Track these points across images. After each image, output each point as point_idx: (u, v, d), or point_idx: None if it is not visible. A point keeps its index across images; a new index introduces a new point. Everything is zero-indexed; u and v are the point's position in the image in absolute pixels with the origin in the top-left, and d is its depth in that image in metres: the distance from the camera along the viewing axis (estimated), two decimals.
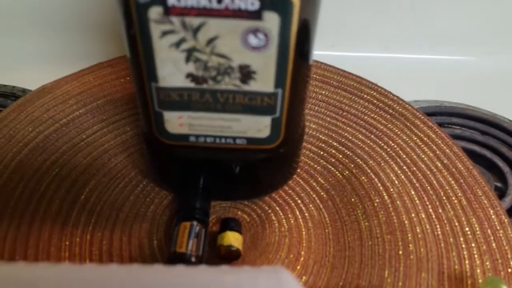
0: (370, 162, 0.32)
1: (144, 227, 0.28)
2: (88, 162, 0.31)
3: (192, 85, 0.22)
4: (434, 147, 0.32)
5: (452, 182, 0.30)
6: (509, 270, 0.26)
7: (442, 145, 0.33)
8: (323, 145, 0.33)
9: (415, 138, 0.33)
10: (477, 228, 0.28)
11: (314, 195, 0.30)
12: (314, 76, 0.37)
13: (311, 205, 0.30)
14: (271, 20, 0.20)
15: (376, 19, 0.39)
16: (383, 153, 0.32)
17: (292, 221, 0.29)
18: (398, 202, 0.29)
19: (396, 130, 0.34)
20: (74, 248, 0.26)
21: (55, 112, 0.33)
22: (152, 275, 0.19)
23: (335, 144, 0.33)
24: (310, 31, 0.22)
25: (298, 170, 0.31)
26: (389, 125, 0.34)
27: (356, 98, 0.36)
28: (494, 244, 0.27)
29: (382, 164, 0.31)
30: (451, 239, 0.27)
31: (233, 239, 0.26)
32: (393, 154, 0.32)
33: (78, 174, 0.30)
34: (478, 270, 0.26)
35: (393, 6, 0.39)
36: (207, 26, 0.20)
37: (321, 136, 0.34)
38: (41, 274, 0.19)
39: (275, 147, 0.26)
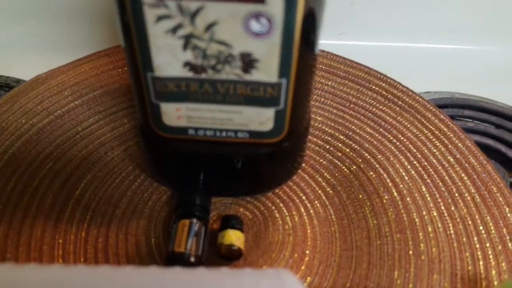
0: (379, 156, 0.30)
1: (141, 224, 0.27)
2: (84, 156, 0.29)
3: (190, 74, 0.21)
4: (446, 141, 0.31)
5: (465, 178, 0.29)
6: None
7: (454, 139, 0.31)
8: (329, 138, 0.31)
9: (426, 132, 0.31)
10: (492, 227, 0.26)
11: (319, 191, 0.29)
12: (320, 66, 0.36)
13: (316, 202, 0.28)
14: (275, 4, 0.18)
15: (386, 7, 0.38)
16: (392, 147, 0.31)
17: (296, 219, 0.27)
18: (408, 199, 0.28)
19: (406, 123, 0.32)
20: (68, 246, 0.25)
21: (49, 104, 0.31)
22: (148, 278, 0.18)
23: (341, 137, 0.31)
24: (316, 17, 0.20)
25: (303, 165, 0.30)
26: (399, 118, 0.32)
27: (364, 90, 0.34)
28: (510, 244, 0.26)
29: (391, 159, 0.30)
30: (464, 239, 0.26)
31: (234, 237, 0.25)
32: (403, 148, 0.30)
33: (73, 168, 0.28)
34: (493, 272, 0.25)
35: None
36: (205, 10, 0.18)
37: (327, 129, 0.32)
38: (31, 277, 0.18)
39: (279, 141, 0.24)
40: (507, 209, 0.27)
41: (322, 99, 0.34)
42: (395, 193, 0.28)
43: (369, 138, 0.31)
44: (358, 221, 0.27)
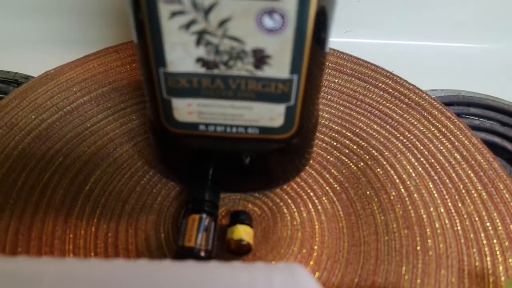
0: (386, 153, 0.30)
1: (150, 219, 0.27)
2: (93, 152, 0.29)
3: (202, 70, 0.21)
4: (452, 138, 0.31)
5: (472, 175, 0.29)
6: None
7: (461, 136, 0.31)
8: (336, 135, 0.32)
9: (433, 129, 0.32)
10: (499, 224, 0.26)
11: (327, 188, 0.29)
12: (327, 63, 0.36)
13: (324, 198, 0.28)
14: (289, 0, 0.18)
15: (392, 5, 0.38)
16: (399, 144, 0.31)
17: (304, 215, 0.27)
18: (415, 195, 0.28)
19: (413, 120, 0.32)
20: (78, 241, 0.25)
21: (58, 100, 0.32)
22: (161, 272, 0.18)
23: (349, 134, 0.32)
24: (328, 14, 0.20)
25: (311, 162, 0.30)
26: (405, 115, 0.33)
27: (370, 87, 0.35)
28: None
29: (398, 156, 0.30)
30: (471, 235, 0.26)
31: (243, 233, 0.25)
32: (410, 145, 0.31)
33: (82, 163, 0.29)
34: (501, 268, 0.25)
35: None
36: (219, 6, 0.19)
37: (334, 126, 0.32)
38: (45, 269, 0.18)
39: (289, 137, 0.24)
40: None
41: (329, 96, 0.34)
42: (402, 190, 0.28)
43: (376, 135, 0.31)
44: (366, 217, 0.27)
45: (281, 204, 0.28)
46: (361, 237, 0.27)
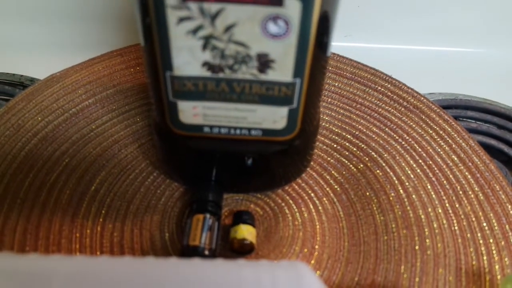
0: (385, 155, 0.31)
1: (155, 219, 0.27)
2: (98, 153, 0.30)
3: (208, 74, 0.22)
4: (450, 140, 0.32)
5: (469, 176, 0.30)
6: None
7: (458, 138, 0.32)
8: (336, 137, 0.32)
9: (431, 132, 0.32)
10: (495, 224, 0.27)
11: (327, 189, 0.30)
12: (327, 67, 0.37)
13: (324, 199, 0.29)
14: (293, 7, 0.19)
15: (391, 10, 0.39)
16: (398, 146, 0.31)
17: (305, 215, 0.28)
18: (414, 196, 0.29)
19: (411, 123, 0.33)
20: (84, 240, 0.26)
21: (64, 102, 0.32)
22: (169, 268, 0.19)
23: (348, 136, 0.32)
24: (330, 19, 0.21)
25: (312, 163, 0.31)
26: (404, 118, 0.33)
27: (370, 90, 0.35)
28: None
29: (397, 158, 0.31)
30: (468, 235, 0.27)
31: (246, 232, 0.26)
32: (408, 147, 0.31)
33: (88, 164, 0.29)
34: (497, 266, 0.25)
35: None
36: (225, 13, 0.19)
37: (334, 129, 0.33)
38: (56, 267, 0.19)
39: (291, 138, 0.25)
40: (509, 206, 0.28)
41: (329, 99, 0.35)
42: (401, 191, 0.29)
43: (376, 138, 0.32)
44: (366, 218, 0.28)
45: (283, 204, 0.29)
46: (361, 237, 0.27)
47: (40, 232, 0.26)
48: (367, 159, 0.31)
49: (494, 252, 0.26)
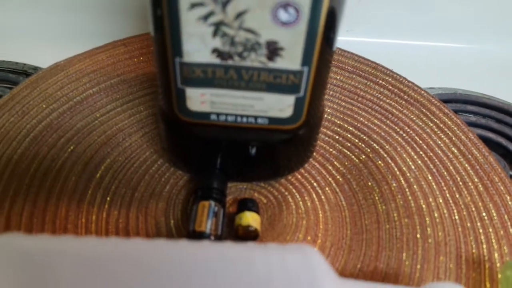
0: (387, 147, 0.31)
1: (160, 207, 0.28)
2: (103, 141, 0.30)
3: (217, 61, 0.22)
4: (450, 133, 0.32)
5: (469, 168, 0.30)
6: None
7: (458, 131, 0.32)
8: (338, 129, 0.33)
9: (431, 124, 0.33)
10: (494, 214, 0.28)
11: (330, 179, 0.30)
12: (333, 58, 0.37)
13: (327, 188, 0.29)
14: None
15: (392, 5, 0.39)
16: (399, 138, 0.32)
17: (309, 204, 0.29)
18: (415, 186, 0.29)
19: (412, 116, 0.34)
20: (90, 226, 0.26)
21: (68, 90, 0.32)
22: (179, 249, 0.19)
23: (350, 128, 0.33)
24: (339, 8, 0.21)
25: (314, 154, 0.31)
26: (405, 111, 0.34)
27: (371, 84, 0.36)
28: (511, 229, 0.27)
29: (399, 149, 0.31)
30: (468, 224, 0.27)
31: (251, 219, 0.26)
32: (409, 139, 0.32)
33: (93, 152, 0.29)
34: (496, 255, 0.26)
35: None
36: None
37: (336, 121, 0.33)
38: (66, 247, 0.19)
39: (296, 127, 0.25)
40: (508, 197, 0.29)
41: (331, 92, 0.35)
42: (402, 181, 0.29)
43: (377, 130, 0.33)
44: (368, 207, 0.28)
45: (286, 193, 0.29)
46: (363, 225, 0.28)
47: (46, 217, 0.26)
48: (369, 150, 0.31)
49: (493, 240, 0.27)
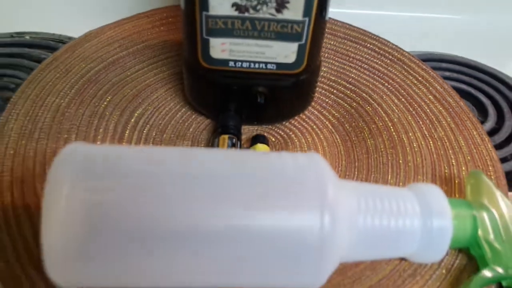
0: (374, 95, 0.37)
1: (185, 144, 0.33)
2: (134, 93, 0.36)
3: (236, 13, 0.28)
4: (427, 84, 0.38)
5: (443, 110, 0.36)
6: (488, 173, 0.32)
7: (434, 83, 0.38)
8: (333, 83, 0.38)
9: (411, 77, 0.39)
10: (463, 144, 0.34)
11: (327, 122, 0.36)
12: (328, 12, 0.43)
13: (324, 130, 0.35)
14: None
15: None
16: (385, 89, 0.38)
17: (310, 141, 0.34)
18: (398, 125, 0.35)
19: (395, 72, 0.39)
20: None
21: (102, 53, 0.38)
22: (214, 152, 0.24)
23: (343, 83, 0.38)
24: None
25: (313, 104, 0.37)
26: (389, 68, 0.40)
27: (360, 47, 0.42)
28: (476, 156, 0.33)
29: (384, 97, 0.37)
30: (442, 152, 0.33)
31: (263, 149, 0.32)
32: (393, 89, 0.38)
33: (127, 102, 0.35)
34: (463, 173, 0.32)
35: None
36: None
37: (331, 77, 0.39)
38: (125, 149, 0.24)
39: (299, 72, 0.31)
40: (474, 132, 0.34)
41: (326, 55, 0.41)
42: (387, 121, 0.35)
43: (366, 83, 0.38)
44: (359, 142, 0.34)
45: (291, 133, 0.35)
46: (355, 156, 0.33)
47: None
48: (359, 99, 0.37)
49: (461, 163, 0.32)
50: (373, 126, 0.35)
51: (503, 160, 0.35)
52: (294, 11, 0.27)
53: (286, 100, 0.33)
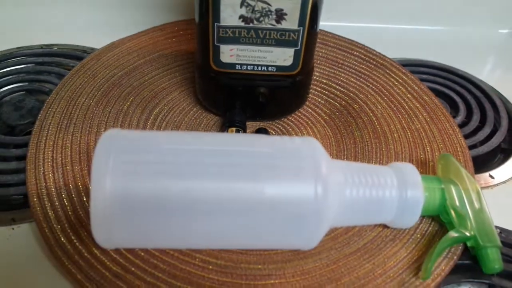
0: (360, 95, 0.43)
1: None
2: (152, 95, 0.41)
3: (242, 24, 0.33)
4: (406, 85, 0.44)
5: (419, 107, 0.42)
6: (458, 158, 0.37)
7: (412, 84, 0.44)
8: (324, 86, 0.44)
9: (393, 80, 0.44)
10: (436, 134, 0.39)
11: (319, 118, 0.41)
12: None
13: (318, 124, 0.40)
14: None
15: None
16: (370, 90, 0.43)
17: (305, 134, 0.39)
18: (381, 119, 0.40)
19: (379, 75, 0.45)
20: None
21: (123, 61, 0.43)
22: (226, 135, 0.30)
23: (333, 85, 0.44)
24: None
25: (307, 103, 0.42)
26: (374, 72, 0.45)
27: (348, 54, 0.47)
28: (448, 143, 0.38)
29: (369, 97, 0.43)
30: (418, 141, 0.39)
31: None
32: (377, 90, 0.43)
33: (146, 103, 0.40)
34: (437, 158, 0.37)
35: None
36: None
37: (323, 80, 0.45)
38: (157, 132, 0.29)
39: (295, 74, 0.37)
40: (447, 124, 0.40)
41: (319, 61, 0.47)
42: (372, 116, 0.41)
43: (353, 85, 0.44)
44: (347, 134, 0.39)
45: (289, 127, 0.40)
46: (344, 146, 0.39)
47: None
48: (347, 98, 0.43)
49: (435, 150, 0.38)
50: (360, 120, 0.40)
51: (471, 147, 0.40)
52: (291, 22, 0.33)
53: (284, 99, 0.39)
